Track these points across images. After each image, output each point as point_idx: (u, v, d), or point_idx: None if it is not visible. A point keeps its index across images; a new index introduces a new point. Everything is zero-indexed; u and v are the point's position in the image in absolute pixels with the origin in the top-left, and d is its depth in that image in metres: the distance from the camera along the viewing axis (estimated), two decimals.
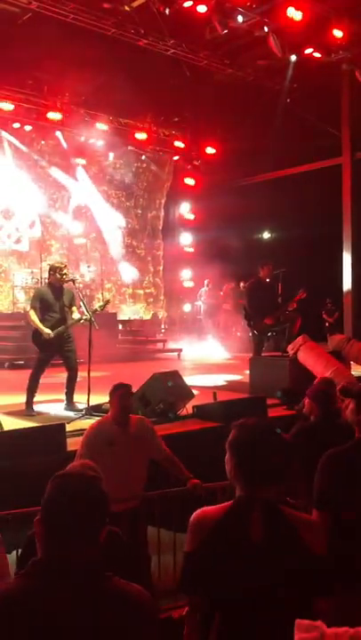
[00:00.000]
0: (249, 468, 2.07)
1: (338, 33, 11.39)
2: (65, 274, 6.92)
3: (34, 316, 6.81)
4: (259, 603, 1.92)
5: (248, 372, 8.46)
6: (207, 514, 2.10)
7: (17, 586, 1.55)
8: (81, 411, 6.57)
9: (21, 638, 1.49)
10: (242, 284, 13.95)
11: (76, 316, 6.87)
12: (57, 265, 7.13)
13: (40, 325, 6.74)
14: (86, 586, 1.55)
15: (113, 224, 17.39)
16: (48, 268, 7.44)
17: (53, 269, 7.03)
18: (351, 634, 1.40)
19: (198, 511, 2.13)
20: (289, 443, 3.95)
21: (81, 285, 9.67)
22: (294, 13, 10.85)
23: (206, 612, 2.02)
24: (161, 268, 18.71)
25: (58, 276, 6.91)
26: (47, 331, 6.71)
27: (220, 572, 1.97)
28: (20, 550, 3.10)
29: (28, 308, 7.41)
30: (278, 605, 1.91)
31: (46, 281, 7.11)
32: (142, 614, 1.58)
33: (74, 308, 6.96)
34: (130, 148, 16.63)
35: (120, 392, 4.36)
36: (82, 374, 6.89)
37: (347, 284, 14.21)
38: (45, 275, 10.21)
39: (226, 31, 11.58)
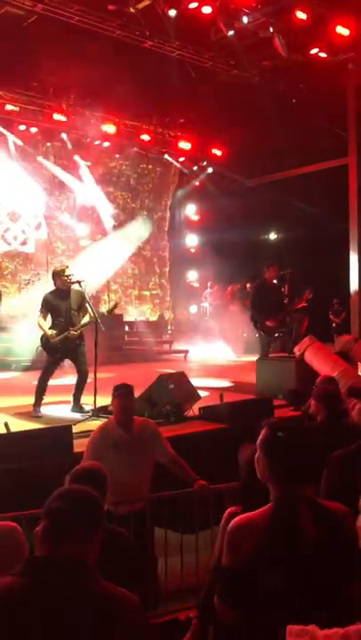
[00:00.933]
0: (286, 467, 2.02)
1: (344, 32, 11.34)
2: (68, 275, 6.85)
3: (41, 322, 6.80)
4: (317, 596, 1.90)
5: (255, 373, 8.45)
6: (251, 522, 1.99)
7: (5, 583, 1.60)
8: (87, 412, 6.56)
9: (3, 633, 1.52)
10: (248, 285, 13.92)
11: (85, 319, 6.85)
12: (58, 269, 7.03)
13: (45, 329, 6.75)
14: (72, 586, 1.59)
15: (118, 225, 17.40)
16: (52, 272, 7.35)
17: (56, 274, 6.93)
18: (341, 634, 1.39)
19: (237, 522, 2.01)
20: (321, 441, 3.89)
21: (87, 287, 9.65)
22: (300, 14, 10.83)
23: (235, 621, 1.95)
24: (167, 269, 18.72)
25: (64, 278, 6.86)
26: (50, 332, 6.71)
27: (276, 576, 1.90)
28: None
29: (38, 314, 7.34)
30: (334, 595, 1.91)
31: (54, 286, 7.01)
32: (125, 618, 1.60)
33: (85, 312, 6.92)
34: (135, 149, 16.65)
35: (119, 392, 4.36)
36: (89, 376, 6.89)
37: (354, 284, 14.15)
38: (51, 276, 10.18)
39: (231, 32, 11.58)
